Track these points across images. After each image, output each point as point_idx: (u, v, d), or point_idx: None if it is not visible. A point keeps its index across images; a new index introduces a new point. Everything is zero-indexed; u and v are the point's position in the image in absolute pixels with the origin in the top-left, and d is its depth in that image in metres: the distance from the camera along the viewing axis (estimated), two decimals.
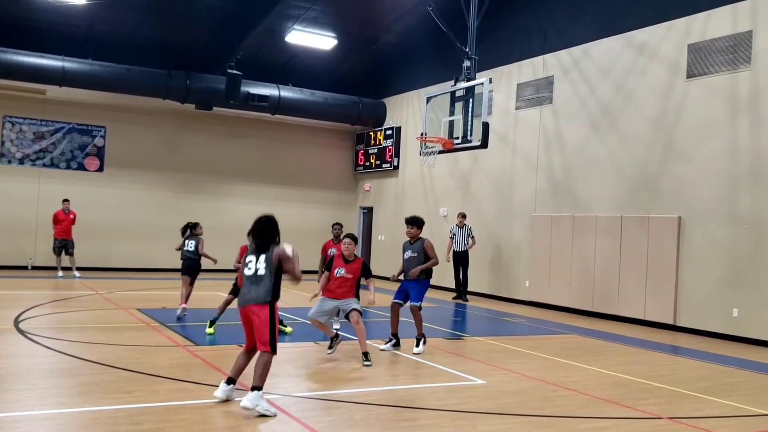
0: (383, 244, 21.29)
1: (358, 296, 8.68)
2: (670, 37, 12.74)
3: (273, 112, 19.89)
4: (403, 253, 9.33)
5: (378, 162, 21.48)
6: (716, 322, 11.64)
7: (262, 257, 6.11)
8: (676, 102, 12.58)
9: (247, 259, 6.18)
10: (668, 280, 12.36)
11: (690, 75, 12.33)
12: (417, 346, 9.02)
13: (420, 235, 9.28)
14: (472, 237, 16.16)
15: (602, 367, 8.55)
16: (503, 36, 16.53)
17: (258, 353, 5.97)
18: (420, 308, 9.10)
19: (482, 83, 11.82)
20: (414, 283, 9.14)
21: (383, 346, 9.13)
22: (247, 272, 6.12)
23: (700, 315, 11.90)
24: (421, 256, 9.14)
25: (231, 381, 6.05)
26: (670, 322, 12.31)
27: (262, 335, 5.93)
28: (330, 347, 8.53)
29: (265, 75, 19.44)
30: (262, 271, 6.06)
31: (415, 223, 9.30)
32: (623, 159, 13.52)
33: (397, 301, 9.21)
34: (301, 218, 21.70)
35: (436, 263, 9.21)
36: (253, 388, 5.74)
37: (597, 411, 6.42)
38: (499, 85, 16.36)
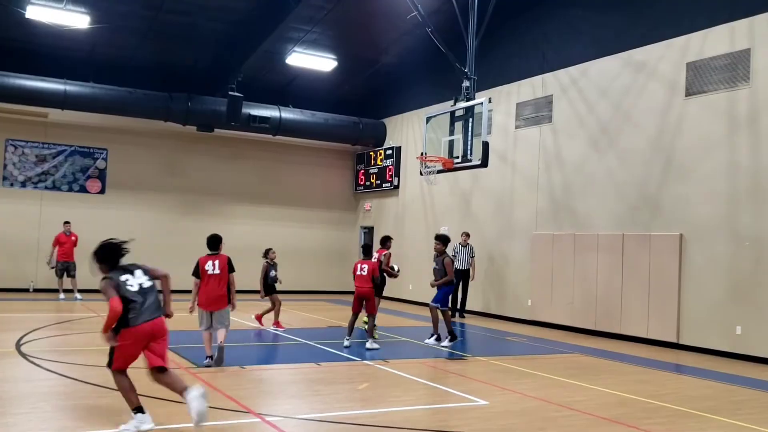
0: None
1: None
2: (669, 56, 12.84)
3: (274, 133, 19.99)
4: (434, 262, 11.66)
5: (378, 182, 21.54)
6: (719, 340, 11.59)
7: (138, 272, 5.89)
8: (675, 120, 12.64)
9: (123, 278, 5.79)
10: (670, 298, 12.33)
11: (689, 93, 12.40)
12: (429, 338, 11.53)
13: (445, 251, 11.51)
14: (473, 257, 16.20)
15: (605, 387, 8.51)
16: (502, 56, 16.65)
17: (167, 370, 5.85)
18: (438, 308, 11.34)
19: (482, 103, 11.89)
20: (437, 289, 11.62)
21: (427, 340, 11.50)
22: (134, 288, 5.78)
23: (703, 333, 11.86)
24: (442, 269, 11.41)
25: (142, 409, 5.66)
26: (673, 340, 12.27)
27: (165, 348, 5.86)
28: None
29: (265, 97, 19.58)
30: (148, 283, 5.90)
31: (440, 239, 11.58)
32: (623, 177, 13.56)
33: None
34: (302, 238, 21.73)
35: (449, 280, 11.49)
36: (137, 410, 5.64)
37: (601, 431, 6.38)
38: (499, 104, 16.45)
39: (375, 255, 11.89)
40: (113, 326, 5.63)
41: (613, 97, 13.90)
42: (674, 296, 12.27)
